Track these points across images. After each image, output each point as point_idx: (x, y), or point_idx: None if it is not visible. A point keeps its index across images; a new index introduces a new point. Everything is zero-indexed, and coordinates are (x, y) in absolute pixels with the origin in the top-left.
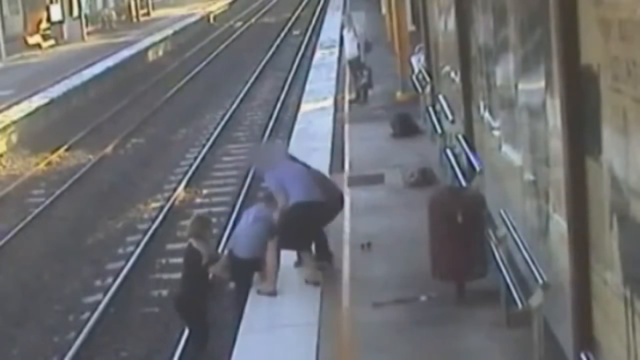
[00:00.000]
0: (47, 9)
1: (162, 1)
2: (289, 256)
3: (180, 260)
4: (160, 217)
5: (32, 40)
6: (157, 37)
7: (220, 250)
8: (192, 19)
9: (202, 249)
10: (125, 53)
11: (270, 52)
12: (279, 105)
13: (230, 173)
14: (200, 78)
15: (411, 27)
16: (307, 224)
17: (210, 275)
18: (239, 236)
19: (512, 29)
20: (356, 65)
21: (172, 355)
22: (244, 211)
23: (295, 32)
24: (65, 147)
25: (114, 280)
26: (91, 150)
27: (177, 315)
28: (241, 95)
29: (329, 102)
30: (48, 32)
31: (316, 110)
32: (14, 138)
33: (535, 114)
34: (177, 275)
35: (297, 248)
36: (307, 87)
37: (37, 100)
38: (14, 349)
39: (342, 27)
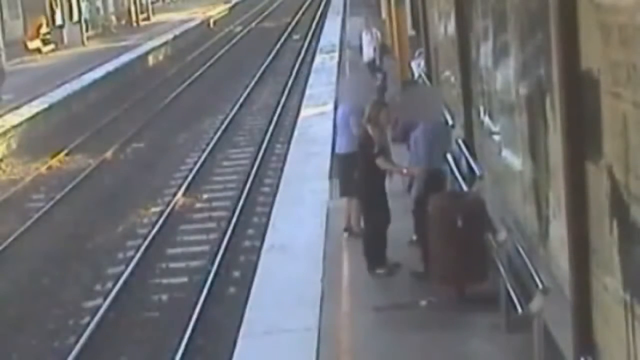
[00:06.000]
0: (50, 13)
1: (162, 6)
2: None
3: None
4: (160, 221)
5: (32, 44)
6: (157, 41)
7: None
8: (192, 24)
9: (375, 135)
10: (125, 58)
11: (271, 57)
12: (279, 110)
13: (230, 178)
14: (201, 82)
15: (411, 32)
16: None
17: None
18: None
19: (512, 34)
20: (372, 67)
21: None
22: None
23: (295, 37)
24: (65, 151)
25: (114, 285)
26: (91, 155)
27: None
28: (241, 100)
29: (329, 106)
30: (48, 36)
31: (316, 114)
32: (14, 143)
33: (535, 119)
34: (178, 280)
35: None
36: (307, 91)
37: (37, 105)
38: (14, 353)
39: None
